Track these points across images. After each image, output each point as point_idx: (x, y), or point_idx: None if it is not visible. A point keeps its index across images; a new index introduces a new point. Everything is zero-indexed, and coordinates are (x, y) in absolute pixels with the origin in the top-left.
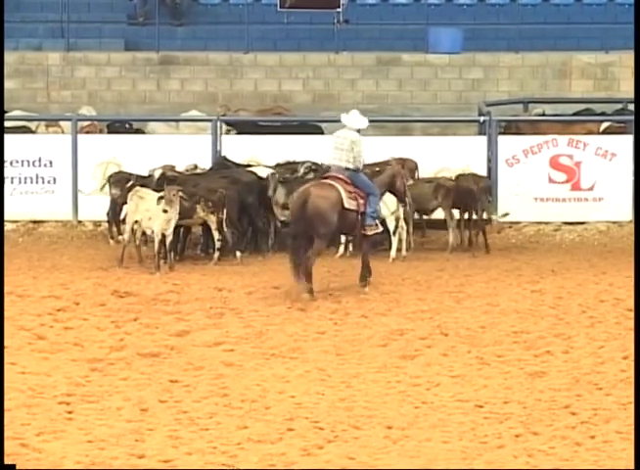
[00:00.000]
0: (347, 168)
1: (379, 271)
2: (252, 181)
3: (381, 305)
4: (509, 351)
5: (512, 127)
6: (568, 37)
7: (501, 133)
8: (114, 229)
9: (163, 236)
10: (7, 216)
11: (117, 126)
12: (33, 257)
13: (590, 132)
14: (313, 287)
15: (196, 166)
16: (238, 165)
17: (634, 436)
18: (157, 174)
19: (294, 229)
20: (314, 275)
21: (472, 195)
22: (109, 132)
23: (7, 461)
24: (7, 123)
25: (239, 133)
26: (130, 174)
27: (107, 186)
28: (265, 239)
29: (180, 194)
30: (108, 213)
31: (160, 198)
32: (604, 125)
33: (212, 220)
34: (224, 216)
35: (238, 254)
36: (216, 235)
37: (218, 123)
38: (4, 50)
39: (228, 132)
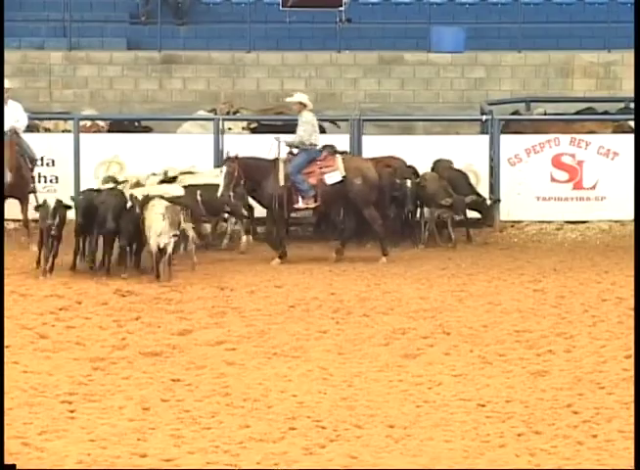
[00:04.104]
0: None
1: (381, 271)
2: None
3: (382, 303)
4: (511, 350)
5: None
6: (570, 36)
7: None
8: None
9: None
10: (9, 215)
11: (126, 124)
12: (35, 255)
13: (592, 132)
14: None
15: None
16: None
17: (634, 435)
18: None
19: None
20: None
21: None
22: (110, 131)
23: (8, 460)
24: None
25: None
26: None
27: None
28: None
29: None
30: None
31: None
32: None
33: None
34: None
35: None
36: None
37: (220, 122)
38: (4, 49)
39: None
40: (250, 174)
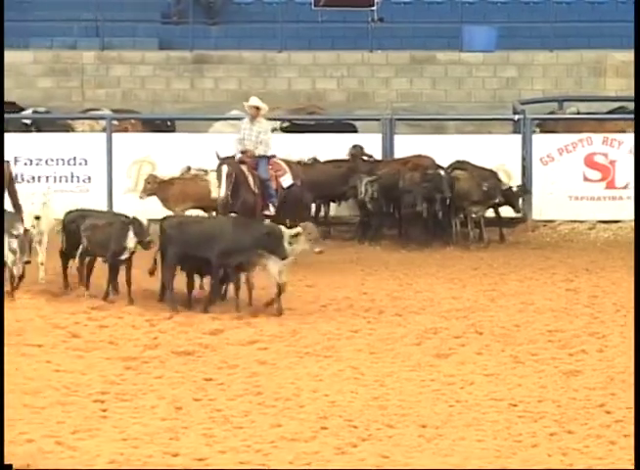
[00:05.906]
0: None
1: (413, 270)
2: None
3: (415, 303)
4: (543, 349)
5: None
6: (602, 35)
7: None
8: None
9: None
10: None
11: (158, 123)
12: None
13: (624, 131)
14: None
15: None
16: None
17: (634, 435)
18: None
19: None
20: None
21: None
22: (143, 131)
23: (40, 460)
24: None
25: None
26: None
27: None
28: None
29: None
30: None
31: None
32: None
33: None
34: None
35: None
36: None
37: None
38: (4, 48)
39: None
40: (236, 177)
